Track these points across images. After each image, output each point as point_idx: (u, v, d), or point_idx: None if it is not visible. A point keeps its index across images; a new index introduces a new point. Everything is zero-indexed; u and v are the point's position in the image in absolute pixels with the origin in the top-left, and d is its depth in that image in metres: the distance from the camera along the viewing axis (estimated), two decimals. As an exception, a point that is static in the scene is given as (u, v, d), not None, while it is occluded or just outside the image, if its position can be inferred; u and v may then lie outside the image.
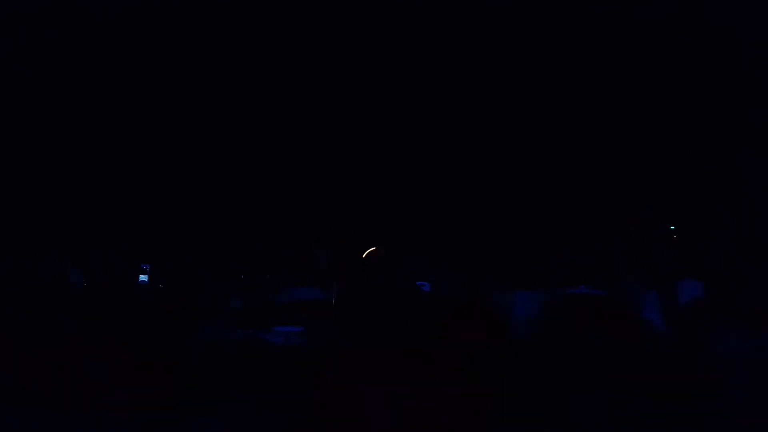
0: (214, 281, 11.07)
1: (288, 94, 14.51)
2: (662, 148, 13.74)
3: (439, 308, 5.23)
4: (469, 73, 14.72)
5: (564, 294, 7.46)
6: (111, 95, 14.15)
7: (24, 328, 5.00)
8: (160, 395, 3.57)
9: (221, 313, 6.37)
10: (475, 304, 5.03)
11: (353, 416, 2.98)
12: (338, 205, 14.37)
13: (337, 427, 3.00)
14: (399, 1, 13.02)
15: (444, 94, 14.78)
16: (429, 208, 15.53)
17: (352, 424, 2.96)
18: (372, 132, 15.32)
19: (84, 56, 13.23)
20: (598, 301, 6.76)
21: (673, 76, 12.86)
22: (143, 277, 9.93)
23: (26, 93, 13.27)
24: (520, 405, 3.45)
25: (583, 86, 14.21)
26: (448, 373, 3.22)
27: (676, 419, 3.12)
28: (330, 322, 5.13)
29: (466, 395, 3.13)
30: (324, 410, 3.07)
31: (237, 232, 14.84)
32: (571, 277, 10.15)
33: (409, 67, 14.64)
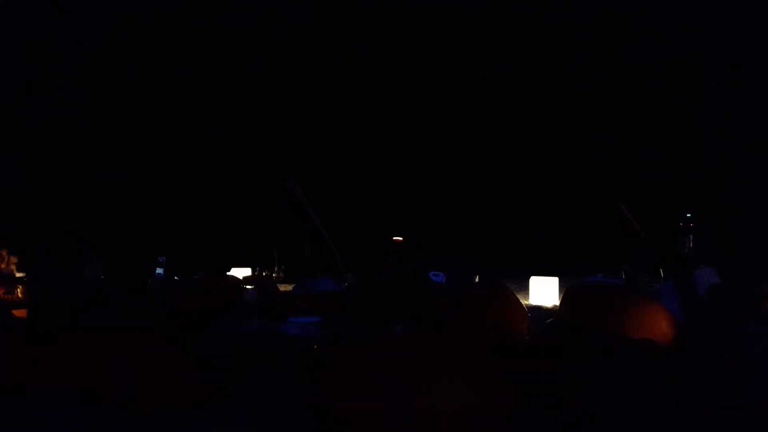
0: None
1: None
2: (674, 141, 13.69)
3: (454, 298, 5.21)
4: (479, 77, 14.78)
5: (581, 282, 7.41)
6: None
7: (44, 324, 5.05)
8: (177, 387, 3.59)
9: (238, 306, 6.40)
10: (495, 293, 5.00)
11: (363, 406, 2.97)
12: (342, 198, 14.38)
13: (347, 419, 2.99)
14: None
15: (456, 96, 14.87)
16: (439, 199, 15.49)
17: (363, 415, 2.95)
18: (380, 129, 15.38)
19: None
20: (615, 289, 6.72)
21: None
22: (159, 270, 9.95)
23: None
24: (539, 395, 3.42)
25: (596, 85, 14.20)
26: (464, 362, 3.21)
27: (698, 408, 3.08)
28: (344, 313, 5.12)
29: (482, 384, 3.11)
30: (333, 402, 3.06)
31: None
32: (587, 265, 10.08)
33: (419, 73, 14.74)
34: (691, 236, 8.83)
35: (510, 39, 14.69)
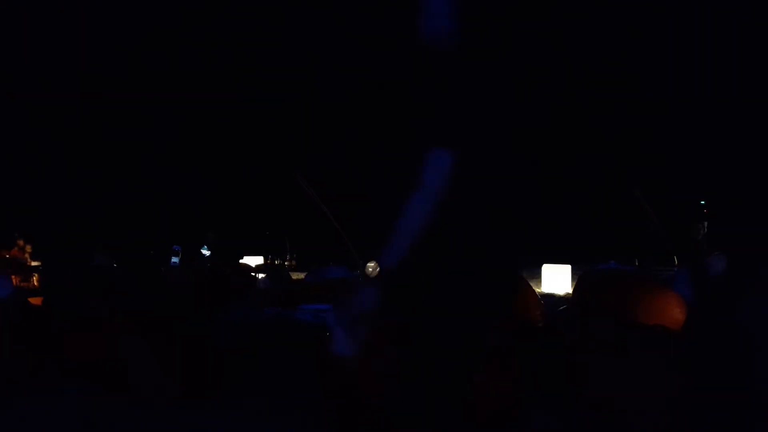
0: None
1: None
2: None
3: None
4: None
5: (594, 269, 7.38)
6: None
7: (56, 310, 5.09)
8: (190, 374, 3.61)
9: (250, 293, 6.43)
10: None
11: (377, 390, 2.96)
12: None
13: (359, 406, 2.99)
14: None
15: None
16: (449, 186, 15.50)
17: (376, 399, 2.95)
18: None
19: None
20: (629, 276, 6.68)
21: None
22: (174, 259, 10.03)
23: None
24: (551, 379, 3.41)
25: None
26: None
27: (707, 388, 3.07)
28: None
29: (495, 369, 3.11)
30: (345, 387, 3.05)
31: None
32: (600, 252, 10.05)
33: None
34: (705, 223, 8.79)
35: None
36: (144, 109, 15.09)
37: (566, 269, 8.94)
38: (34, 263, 9.93)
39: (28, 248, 10.17)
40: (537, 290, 6.92)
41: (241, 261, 11.47)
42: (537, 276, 9.00)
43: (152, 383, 3.55)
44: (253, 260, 11.95)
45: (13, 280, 8.61)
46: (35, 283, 8.90)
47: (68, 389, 3.61)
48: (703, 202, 11.65)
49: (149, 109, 15.12)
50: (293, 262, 13.14)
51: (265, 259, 12.61)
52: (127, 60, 14.71)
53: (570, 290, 7.77)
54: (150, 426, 3.22)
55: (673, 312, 4.65)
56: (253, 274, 8.83)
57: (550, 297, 7.92)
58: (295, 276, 9.32)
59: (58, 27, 13.67)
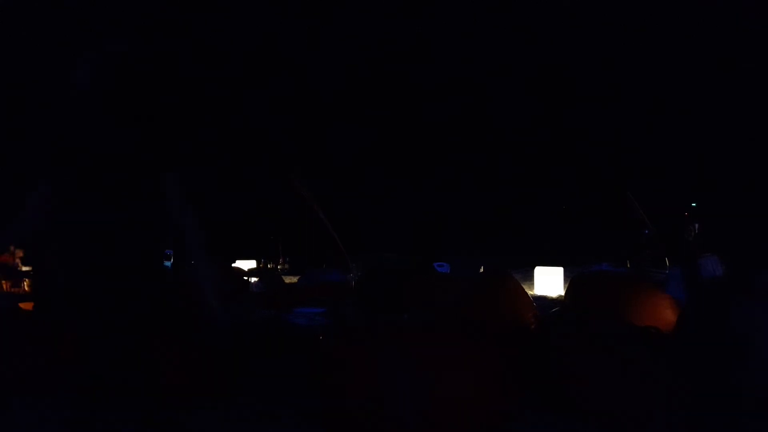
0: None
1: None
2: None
3: (461, 287, 5.20)
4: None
5: (587, 271, 7.41)
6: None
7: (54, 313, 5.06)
8: (185, 376, 3.60)
9: (244, 296, 6.40)
10: (500, 283, 4.99)
11: (372, 392, 2.96)
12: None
13: (355, 406, 2.98)
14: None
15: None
16: (445, 191, 15.49)
17: (371, 402, 2.95)
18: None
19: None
20: (621, 278, 6.71)
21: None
22: (166, 263, 9.98)
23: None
24: (544, 381, 3.42)
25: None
26: (471, 349, 3.21)
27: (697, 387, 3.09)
28: (350, 302, 5.12)
29: (489, 370, 3.11)
30: (342, 389, 3.05)
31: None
32: (592, 254, 10.08)
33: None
34: (697, 224, 8.84)
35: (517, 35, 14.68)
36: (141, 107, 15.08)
37: (558, 271, 8.95)
38: (25, 268, 9.84)
39: (19, 253, 10.07)
40: (529, 292, 6.93)
41: (233, 265, 11.43)
42: (529, 278, 9.02)
43: (147, 386, 3.52)
44: (246, 264, 11.90)
45: (4, 285, 8.54)
46: (26, 288, 8.83)
47: (60, 394, 3.59)
48: (694, 204, 11.71)
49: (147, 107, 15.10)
50: (286, 266, 13.11)
51: (258, 263, 12.58)
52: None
53: (562, 292, 7.79)
54: (145, 429, 3.20)
55: (665, 313, 4.68)
56: (245, 278, 8.81)
57: (543, 299, 7.94)
58: (288, 279, 9.30)
59: (61, 25, 13.60)
